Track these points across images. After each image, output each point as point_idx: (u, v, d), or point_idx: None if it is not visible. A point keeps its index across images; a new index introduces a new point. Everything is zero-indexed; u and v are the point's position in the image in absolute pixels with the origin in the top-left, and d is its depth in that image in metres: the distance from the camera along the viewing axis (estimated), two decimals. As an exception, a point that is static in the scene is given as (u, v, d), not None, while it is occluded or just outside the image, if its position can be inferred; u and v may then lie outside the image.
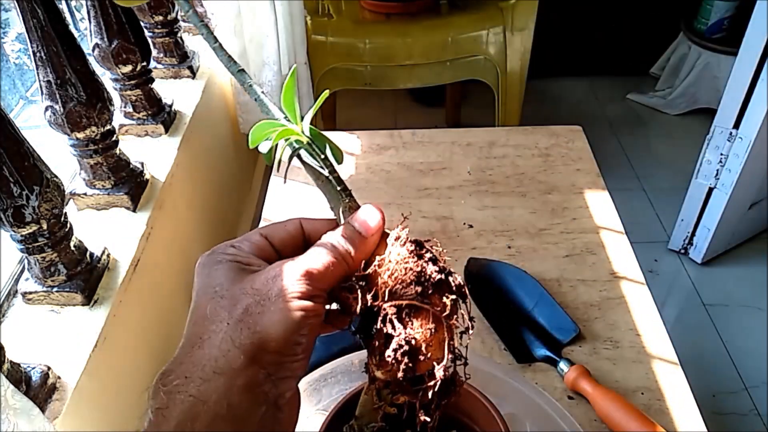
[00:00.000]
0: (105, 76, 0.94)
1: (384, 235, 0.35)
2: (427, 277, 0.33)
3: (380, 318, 0.32)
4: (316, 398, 0.60)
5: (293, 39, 1.37)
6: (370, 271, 0.33)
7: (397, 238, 0.34)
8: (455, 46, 1.63)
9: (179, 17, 1.21)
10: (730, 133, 1.53)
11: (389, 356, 0.31)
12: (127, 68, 0.94)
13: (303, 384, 0.61)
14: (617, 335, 0.70)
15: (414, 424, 0.34)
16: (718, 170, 1.59)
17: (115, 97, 0.95)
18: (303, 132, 0.35)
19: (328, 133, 0.38)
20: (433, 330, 0.32)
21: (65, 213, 0.70)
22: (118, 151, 0.87)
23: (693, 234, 1.73)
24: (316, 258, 0.32)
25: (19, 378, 0.61)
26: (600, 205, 0.87)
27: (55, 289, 0.72)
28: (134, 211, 0.89)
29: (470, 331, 0.34)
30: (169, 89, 1.15)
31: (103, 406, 0.72)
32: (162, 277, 0.96)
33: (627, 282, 0.76)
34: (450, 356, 0.33)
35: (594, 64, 2.50)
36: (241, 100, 1.43)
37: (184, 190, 1.08)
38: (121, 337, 0.78)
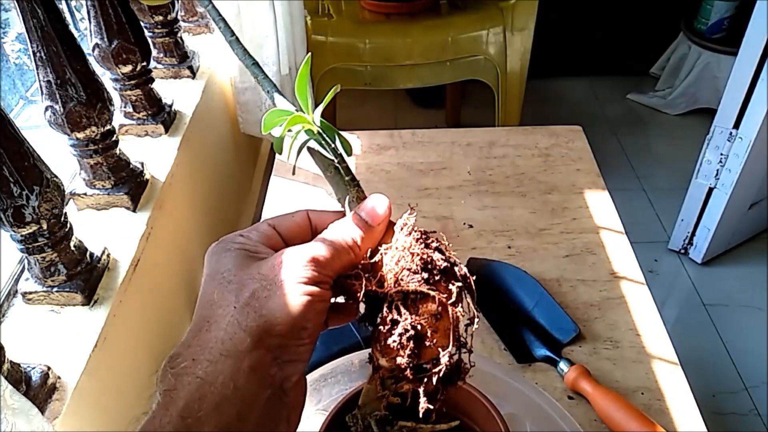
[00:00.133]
0: (105, 76, 0.94)
1: (390, 226, 0.35)
2: (434, 264, 0.33)
3: (386, 304, 0.32)
4: (316, 398, 0.60)
5: (293, 39, 1.37)
6: (376, 259, 0.34)
7: (404, 226, 0.34)
8: (455, 46, 1.63)
9: (179, 17, 1.21)
10: (730, 133, 1.53)
11: (395, 341, 0.32)
12: (127, 68, 0.94)
13: (303, 384, 0.61)
14: (617, 335, 0.70)
15: (416, 414, 0.34)
16: (718, 170, 1.59)
17: (115, 97, 0.95)
18: (314, 122, 0.35)
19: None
20: (438, 316, 0.32)
21: (65, 213, 0.70)
22: (118, 151, 0.87)
23: (693, 234, 1.73)
24: (323, 245, 0.33)
25: (19, 378, 0.61)
26: (600, 205, 0.87)
27: (55, 289, 0.72)
28: (134, 211, 0.89)
29: (476, 320, 0.34)
30: (169, 89, 1.15)
31: (103, 406, 0.72)
32: (162, 277, 0.96)
33: (627, 282, 0.76)
34: (455, 344, 0.33)
35: (594, 64, 2.50)
36: (241, 100, 1.43)
37: (184, 190, 1.08)
38: (121, 337, 0.78)
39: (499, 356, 0.68)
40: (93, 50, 0.92)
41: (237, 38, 0.38)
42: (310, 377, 0.62)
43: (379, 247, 0.34)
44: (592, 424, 0.61)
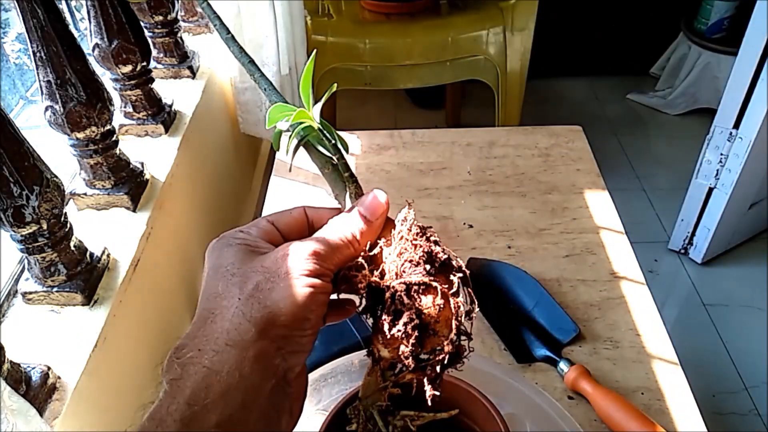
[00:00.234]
0: (105, 76, 0.94)
1: (387, 222, 0.36)
2: (435, 256, 0.34)
3: (389, 294, 0.33)
4: (316, 398, 0.60)
5: (293, 39, 1.37)
6: (376, 251, 0.35)
7: (404, 220, 0.35)
8: (455, 46, 1.63)
9: (179, 17, 1.21)
10: (730, 133, 1.53)
11: (399, 330, 0.32)
12: (127, 68, 0.94)
13: (303, 384, 0.61)
14: (617, 335, 0.70)
15: (417, 403, 0.34)
16: (718, 170, 1.59)
17: (115, 97, 0.95)
18: (314, 118, 0.36)
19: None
20: (441, 306, 0.33)
21: (65, 213, 0.70)
22: (118, 151, 0.87)
23: (693, 234, 1.73)
24: (324, 239, 0.34)
25: (19, 378, 0.61)
26: (600, 205, 0.87)
27: (55, 289, 0.72)
28: (134, 211, 0.89)
29: (475, 310, 0.35)
30: (169, 89, 1.15)
31: (103, 406, 0.72)
32: (162, 277, 0.96)
33: (627, 282, 0.76)
34: (456, 332, 0.34)
35: (594, 64, 2.50)
36: (241, 100, 1.43)
37: (184, 190, 1.08)
38: (121, 337, 0.78)
39: (499, 356, 0.68)
40: (93, 50, 0.92)
41: (233, 36, 0.39)
42: (310, 377, 0.61)
43: (378, 241, 0.35)
44: (592, 424, 0.61)
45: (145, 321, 0.87)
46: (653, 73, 2.49)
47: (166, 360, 0.30)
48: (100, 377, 0.71)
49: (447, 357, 0.33)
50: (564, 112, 2.37)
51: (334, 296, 0.37)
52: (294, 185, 0.92)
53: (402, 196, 0.88)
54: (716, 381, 1.46)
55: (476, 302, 0.35)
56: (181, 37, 1.20)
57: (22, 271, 0.77)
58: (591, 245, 0.81)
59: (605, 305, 0.73)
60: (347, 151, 0.38)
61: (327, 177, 0.38)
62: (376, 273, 0.34)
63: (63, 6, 1.19)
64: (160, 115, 1.04)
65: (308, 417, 0.58)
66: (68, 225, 0.71)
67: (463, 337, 0.34)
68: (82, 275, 0.73)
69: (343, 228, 0.35)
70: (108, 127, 0.83)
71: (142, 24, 0.97)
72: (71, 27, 0.74)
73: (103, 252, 0.79)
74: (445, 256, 0.34)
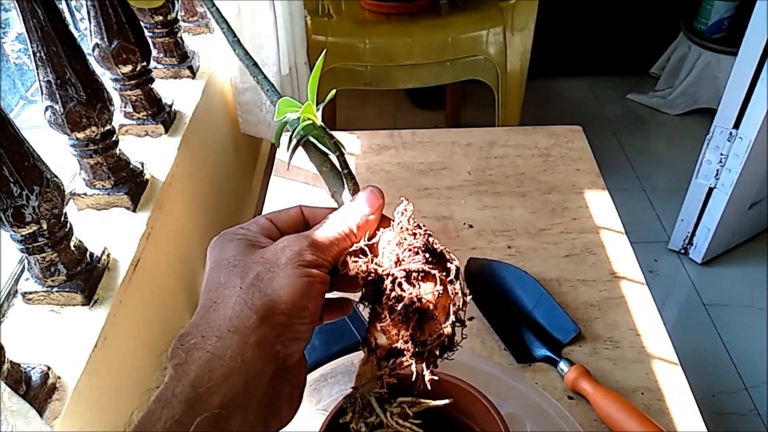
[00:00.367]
0: (105, 76, 0.94)
1: (384, 219, 0.38)
2: (432, 246, 0.35)
3: (389, 282, 0.34)
4: (316, 398, 0.60)
5: (293, 39, 1.37)
6: (375, 240, 0.36)
7: (404, 211, 0.36)
8: (455, 46, 1.63)
9: (179, 17, 1.21)
10: (730, 133, 1.53)
11: (400, 314, 0.33)
12: (127, 68, 0.94)
13: (303, 384, 0.61)
14: (617, 335, 0.70)
15: (412, 391, 0.35)
16: (718, 170, 1.59)
17: (115, 97, 0.95)
18: (317, 116, 0.38)
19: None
20: (440, 292, 0.34)
21: (65, 213, 0.70)
22: (118, 151, 0.87)
23: (693, 234, 1.73)
24: (322, 231, 0.35)
25: (19, 378, 0.61)
26: (600, 205, 0.87)
27: (55, 289, 0.72)
28: (134, 211, 0.89)
29: (468, 298, 0.36)
30: (169, 89, 1.15)
31: (103, 406, 0.72)
32: (162, 277, 0.96)
33: (627, 282, 0.76)
34: (453, 319, 0.35)
35: (594, 64, 2.50)
36: (241, 100, 1.43)
37: (184, 190, 1.08)
38: (121, 337, 0.78)
39: (499, 356, 0.68)
40: (93, 50, 0.92)
41: (239, 40, 0.40)
42: (310, 377, 0.62)
43: (377, 232, 0.36)
44: (592, 424, 0.61)
45: (145, 321, 0.87)
46: (653, 73, 2.49)
47: (171, 347, 0.31)
48: (100, 377, 0.71)
49: (446, 340, 0.34)
50: (564, 112, 2.37)
51: (332, 295, 0.38)
52: (294, 185, 0.92)
53: (402, 196, 0.88)
54: (716, 381, 1.46)
55: (468, 292, 0.36)
56: (181, 37, 1.20)
57: (22, 271, 0.77)
58: (591, 245, 0.81)
59: (605, 305, 0.73)
60: (344, 150, 0.39)
61: (324, 175, 0.39)
62: (376, 261, 0.35)
63: (63, 6, 1.19)
64: (160, 115, 1.04)
65: (308, 417, 0.58)
66: (68, 225, 0.72)
67: (458, 324, 0.35)
68: (82, 275, 0.73)
69: (341, 221, 0.36)
70: (108, 127, 0.83)
71: (142, 24, 0.97)
72: (71, 27, 0.75)
73: (103, 252, 0.79)
74: (442, 247, 0.36)
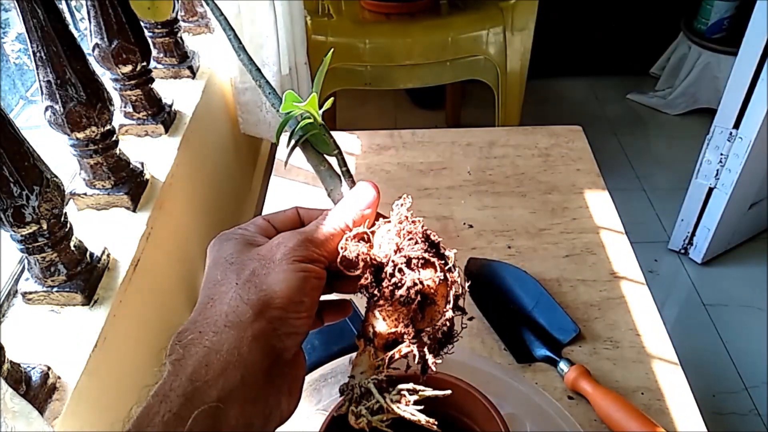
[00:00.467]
0: (105, 76, 0.94)
1: (379, 216, 0.38)
2: (430, 236, 0.36)
3: (390, 266, 0.34)
4: (316, 398, 0.60)
5: (293, 39, 1.37)
6: (375, 228, 0.37)
7: (402, 204, 0.37)
8: (455, 46, 1.63)
9: (179, 17, 1.21)
10: (730, 133, 1.53)
11: (403, 295, 0.34)
12: (127, 68, 0.94)
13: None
14: (617, 335, 0.70)
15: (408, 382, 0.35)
16: (718, 170, 1.59)
17: (115, 97, 0.95)
18: (318, 114, 0.39)
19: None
20: (441, 279, 0.35)
21: (65, 213, 0.70)
22: (118, 151, 0.87)
23: (693, 234, 1.73)
24: (317, 227, 0.36)
25: (19, 378, 0.61)
26: (600, 205, 0.87)
27: (55, 289, 0.72)
28: (134, 211, 0.89)
29: (465, 287, 0.36)
30: (169, 89, 1.15)
31: (103, 406, 0.72)
32: (162, 277, 0.96)
33: (627, 282, 0.76)
34: (453, 305, 0.35)
35: (594, 64, 2.50)
36: (241, 100, 1.43)
37: (184, 190, 1.08)
38: (121, 337, 0.78)
39: (499, 356, 0.68)
40: (93, 50, 0.92)
41: (243, 47, 0.42)
42: (310, 377, 0.62)
43: (376, 222, 0.37)
44: (592, 424, 0.61)
45: (145, 321, 0.87)
46: (653, 73, 2.49)
47: (170, 344, 0.32)
48: (100, 377, 0.71)
49: (447, 325, 0.35)
50: (564, 112, 2.37)
51: (332, 297, 0.38)
52: (294, 185, 0.92)
53: (402, 196, 0.88)
54: (716, 381, 1.46)
55: (465, 281, 0.36)
56: (181, 37, 1.20)
57: (22, 271, 0.77)
58: (591, 245, 0.81)
59: (605, 305, 0.73)
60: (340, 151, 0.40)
61: (321, 174, 0.40)
62: (374, 251, 0.36)
63: (63, 6, 1.19)
64: (160, 115, 1.04)
65: (308, 417, 0.58)
66: (68, 225, 0.72)
67: (458, 312, 0.36)
68: (82, 275, 0.73)
69: (336, 217, 0.36)
70: (108, 127, 0.83)
71: (142, 24, 0.97)
72: (71, 27, 0.74)
73: (103, 252, 0.79)
74: (439, 239, 0.36)
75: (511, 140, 1.00)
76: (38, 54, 0.72)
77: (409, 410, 0.33)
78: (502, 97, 1.72)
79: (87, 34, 0.92)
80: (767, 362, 1.48)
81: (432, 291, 0.34)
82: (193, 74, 1.23)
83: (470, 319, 0.72)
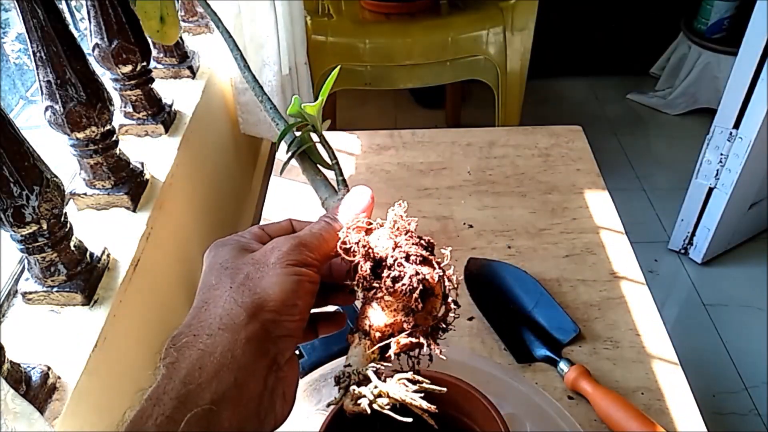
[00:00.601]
0: (105, 76, 0.94)
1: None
2: (422, 237, 0.37)
3: (389, 260, 0.35)
4: (316, 398, 0.60)
5: (293, 39, 1.37)
6: (373, 225, 0.37)
7: (399, 205, 0.38)
8: (455, 46, 1.63)
9: (179, 17, 1.21)
10: (730, 133, 1.53)
11: (404, 284, 0.34)
12: (127, 68, 0.94)
13: (303, 384, 0.61)
14: (617, 335, 0.70)
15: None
16: (718, 170, 1.59)
17: (115, 97, 0.95)
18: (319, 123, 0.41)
19: (327, 134, 0.43)
20: (440, 274, 0.35)
21: (65, 213, 0.70)
22: (118, 151, 0.87)
23: (693, 234, 1.73)
24: (311, 232, 0.36)
25: (19, 378, 0.61)
26: (600, 205, 0.87)
27: (55, 289, 0.72)
28: (134, 211, 0.89)
29: (456, 281, 0.37)
30: (169, 89, 1.15)
31: (103, 406, 0.72)
32: (162, 277, 0.96)
33: (627, 282, 0.76)
34: (451, 299, 0.36)
35: (594, 64, 2.50)
36: (241, 100, 1.43)
37: (184, 190, 1.08)
38: (121, 337, 0.78)
39: (499, 356, 0.68)
40: (93, 50, 0.92)
41: (245, 60, 0.44)
42: (310, 377, 0.62)
43: (372, 221, 0.38)
44: (592, 424, 0.61)
45: (145, 321, 0.87)
46: (653, 73, 2.49)
47: (164, 348, 0.32)
48: (100, 377, 0.71)
49: (446, 314, 0.35)
50: (564, 112, 2.37)
51: (327, 309, 0.39)
52: (294, 186, 0.92)
53: (402, 196, 0.88)
54: (716, 381, 1.46)
55: (457, 280, 0.37)
56: (181, 37, 1.20)
57: (22, 271, 0.77)
58: (591, 245, 0.81)
59: (605, 305, 0.73)
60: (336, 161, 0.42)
61: (316, 184, 0.42)
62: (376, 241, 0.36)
63: (63, 6, 1.19)
64: (160, 115, 1.04)
65: (308, 417, 0.58)
66: (68, 225, 0.71)
67: (454, 307, 0.36)
68: (82, 275, 0.73)
69: (329, 222, 0.37)
70: (108, 127, 0.83)
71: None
72: (71, 27, 0.74)
73: (103, 252, 0.79)
74: (432, 241, 0.37)
75: (511, 140, 1.00)
76: (38, 54, 0.72)
77: (409, 395, 0.32)
78: (502, 97, 1.72)
79: (87, 34, 0.92)
80: (767, 362, 1.48)
81: (430, 285, 0.35)
82: (193, 74, 1.23)
83: (470, 319, 0.72)
